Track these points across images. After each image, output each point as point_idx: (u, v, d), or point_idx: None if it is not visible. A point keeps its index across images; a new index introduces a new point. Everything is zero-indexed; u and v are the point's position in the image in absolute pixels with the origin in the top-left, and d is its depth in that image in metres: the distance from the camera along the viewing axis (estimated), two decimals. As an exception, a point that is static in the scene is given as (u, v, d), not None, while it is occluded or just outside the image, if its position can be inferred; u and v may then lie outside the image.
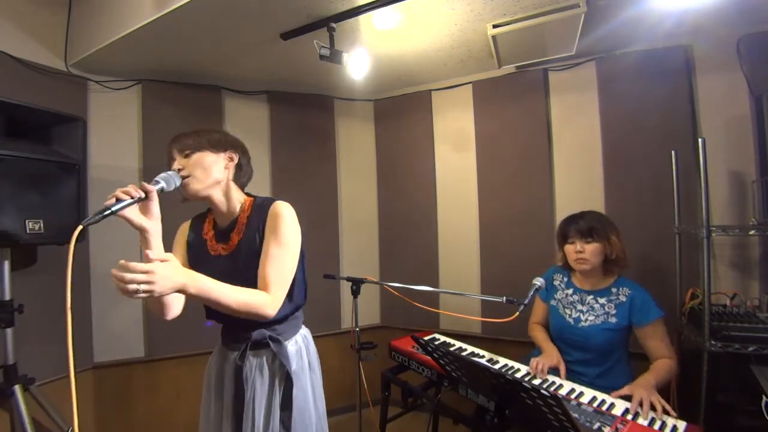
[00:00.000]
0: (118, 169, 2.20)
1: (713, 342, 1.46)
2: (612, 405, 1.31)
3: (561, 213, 2.16)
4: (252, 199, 1.21)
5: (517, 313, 1.26)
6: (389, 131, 2.84)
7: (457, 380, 1.48)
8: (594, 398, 1.36)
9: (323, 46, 1.78)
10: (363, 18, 1.75)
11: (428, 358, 1.64)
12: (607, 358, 1.56)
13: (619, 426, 1.18)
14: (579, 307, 1.64)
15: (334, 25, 1.74)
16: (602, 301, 1.59)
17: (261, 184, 2.50)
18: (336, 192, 2.78)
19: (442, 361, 1.45)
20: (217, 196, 1.16)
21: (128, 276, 0.80)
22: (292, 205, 1.17)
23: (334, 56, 1.79)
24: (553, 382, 1.50)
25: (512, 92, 2.38)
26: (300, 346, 1.23)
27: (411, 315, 2.24)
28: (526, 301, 1.27)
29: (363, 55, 1.97)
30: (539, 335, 1.77)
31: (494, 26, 1.83)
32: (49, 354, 1.83)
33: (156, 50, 1.96)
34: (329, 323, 2.64)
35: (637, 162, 2.04)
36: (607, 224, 1.60)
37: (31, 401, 1.59)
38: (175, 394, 2.30)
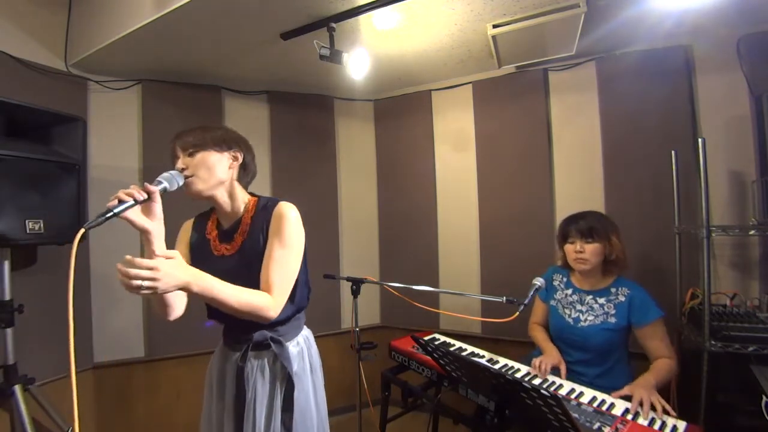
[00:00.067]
0: (118, 169, 2.20)
1: (713, 342, 1.46)
2: (612, 405, 1.31)
3: (561, 213, 2.16)
4: (256, 199, 1.21)
5: (517, 313, 1.26)
6: (389, 131, 2.84)
7: (457, 380, 1.48)
8: (594, 398, 1.36)
9: (323, 46, 1.78)
10: (363, 18, 1.75)
11: (428, 358, 1.64)
12: (606, 358, 1.56)
13: (619, 426, 1.18)
14: (578, 307, 1.64)
15: (334, 25, 1.74)
16: (601, 301, 1.59)
17: (261, 184, 2.50)
18: (336, 192, 2.78)
19: (442, 361, 1.45)
20: (221, 196, 1.15)
21: (133, 272, 0.80)
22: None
23: (334, 56, 1.79)
24: (553, 382, 1.50)
25: (512, 92, 2.38)
26: (302, 347, 1.22)
27: (411, 315, 2.25)
28: (526, 301, 1.27)
29: (363, 55, 1.97)
30: (539, 336, 1.77)
31: (494, 26, 1.83)
32: (49, 354, 1.83)
33: (156, 50, 1.96)
34: (329, 323, 2.64)
35: (637, 162, 2.04)
36: (608, 225, 1.60)
37: (31, 401, 1.59)
38: (175, 394, 2.30)
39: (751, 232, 1.64)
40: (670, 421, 1.20)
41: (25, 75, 1.86)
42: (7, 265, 1.62)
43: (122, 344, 2.18)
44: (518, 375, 1.58)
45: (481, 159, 2.49)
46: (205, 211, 1.29)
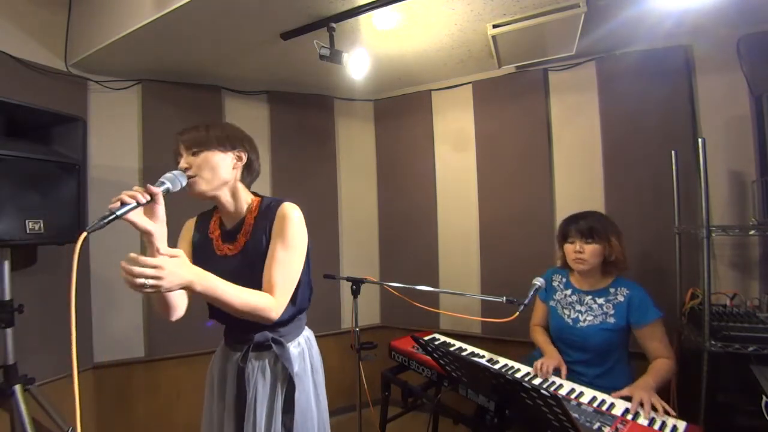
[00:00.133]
0: (118, 169, 2.20)
1: (713, 342, 1.46)
2: (612, 405, 1.31)
3: (561, 213, 2.16)
4: (259, 199, 1.20)
5: (517, 313, 1.26)
6: (389, 131, 2.84)
7: (457, 380, 1.48)
8: (594, 398, 1.36)
9: (323, 46, 1.78)
10: (363, 18, 1.75)
11: (428, 358, 1.64)
12: (606, 359, 1.56)
13: (619, 426, 1.18)
14: (577, 307, 1.64)
15: (334, 25, 1.74)
16: (600, 301, 1.59)
17: (261, 184, 2.50)
18: (336, 192, 2.78)
19: (442, 361, 1.45)
20: (224, 196, 1.14)
21: (137, 270, 0.80)
22: None
23: (334, 56, 1.79)
24: (553, 382, 1.50)
25: (512, 92, 2.38)
26: (303, 348, 1.22)
27: (411, 315, 2.25)
28: (526, 301, 1.27)
29: (363, 55, 1.97)
30: (540, 338, 1.77)
31: (494, 26, 1.83)
32: (49, 354, 1.83)
33: (156, 50, 1.96)
34: (329, 323, 2.64)
35: (637, 162, 2.04)
36: (609, 226, 1.60)
37: (31, 401, 1.59)
38: (175, 394, 2.30)
39: (751, 232, 1.63)
40: (670, 421, 1.20)
41: (25, 75, 1.86)
42: (7, 265, 1.62)
43: (122, 344, 2.18)
44: (518, 375, 1.58)
45: (481, 159, 2.49)
46: (208, 210, 1.28)
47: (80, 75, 2.09)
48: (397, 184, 2.80)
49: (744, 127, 1.82)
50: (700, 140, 1.53)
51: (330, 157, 2.76)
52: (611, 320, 1.55)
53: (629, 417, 1.23)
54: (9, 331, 1.61)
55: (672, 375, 1.48)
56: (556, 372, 1.55)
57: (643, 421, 1.21)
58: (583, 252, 1.58)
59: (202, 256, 1.18)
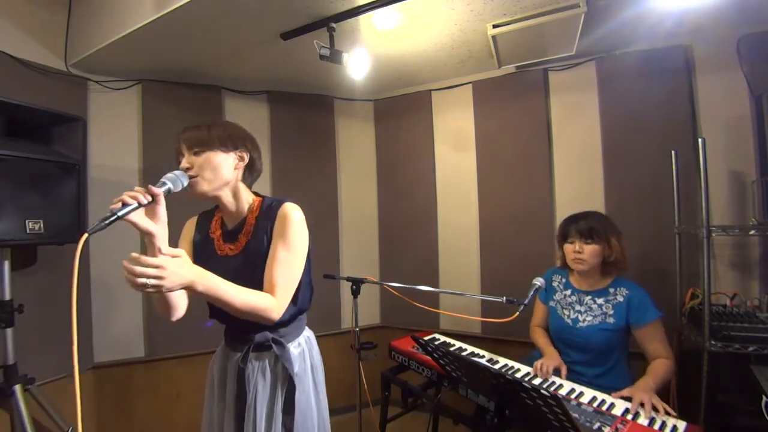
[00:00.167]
0: (118, 169, 2.20)
1: (713, 342, 1.46)
2: (612, 405, 1.31)
3: (561, 213, 2.16)
4: (261, 199, 1.20)
5: (517, 313, 1.26)
6: (389, 131, 2.84)
7: (457, 380, 1.48)
8: (594, 398, 1.36)
9: (323, 46, 1.78)
10: (363, 18, 1.75)
11: (428, 358, 1.64)
12: (606, 359, 1.56)
13: (619, 426, 1.18)
14: (577, 307, 1.64)
15: (334, 25, 1.74)
16: (600, 301, 1.59)
17: (261, 184, 2.49)
18: (336, 192, 2.78)
19: (442, 361, 1.45)
20: (226, 197, 1.14)
21: (138, 269, 0.80)
22: None
23: (334, 56, 1.79)
24: (553, 382, 1.50)
25: (512, 92, 2.38)
26: (303, 348, 1.22)
27: (411, 315, 2.24)
28: (526, 301, 1.27)
29: (363, 55, 1.97)
30: (540, 339, 1.77)
31: (494, 26, 1.83)
32: (49, 354, 1.83)
33: (156, 50, 1.96)
34: (329, 323, 2.64)
35: (637, 162, 2.04)
36: (609, 226, 1.60)
37: (31, 401, 1.59)
38: (175, 394, 2.30)
39: (751, 232, 1.63)
40: (670, 421, 1.20)
41: (25, 75, 1.86)
42: (7, 265, 1.62)
43: (122, 344, 2.18)
44: (518, 375, 1.58)
45: (481, 159, 2.49)
46: (209, 209, 1.28)
47: (80, 75, 2.09)
48: (397, 184, 2.80)
49: (744, 127, 1.82)
50: (700, 140, 1.53)
51: (330, 157, 2.76)
52: (611, 320, 1.55)
53: (629, 417, 1.23)
54: (9, 331, 1.61)
55: (671, 375, 1.48)
56: (556, 372, 1.56)
57: (643, 421, 1.21)
58: (582, 252, 1.58)
59: (203, 256, 1.18)
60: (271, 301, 1.04)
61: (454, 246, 2.58)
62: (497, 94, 2.43)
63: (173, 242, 0.99)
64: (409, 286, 1.66)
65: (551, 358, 1.61)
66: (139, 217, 0.87)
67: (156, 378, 2.26)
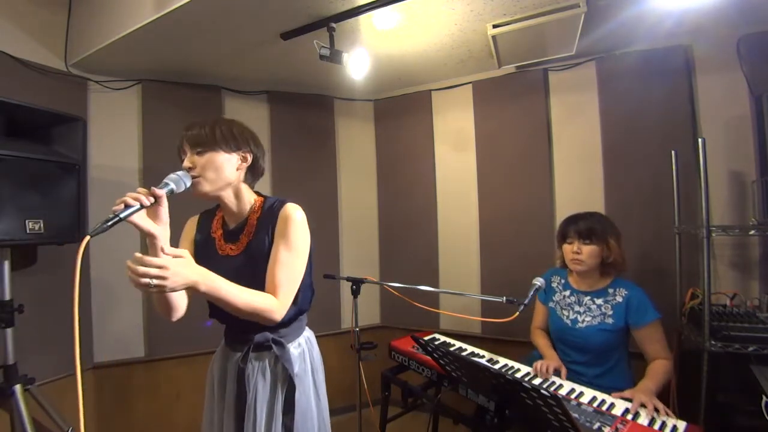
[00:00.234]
0: (118, 169, 2.20)
1: (713, 342, 1.46)
2: (612, 405, 1.31)
3: (561, 213, 2.16)
4: (262, 199, 1.19)
5: (517, 313, 1.26)
6: (389, 131, 2.84)
7: (457, 380, 1.48)
8: (594, 398, 1.36)
9: (323, 46, 1.78)
10: (363, 18, 1.75)
11: (428, 358, 1.64)
12: (606, 359, 1.56)
13: (619, 426, 1.18)
14: (576, 308, 1.64)
15: (334, 25, 1.74)
16: (599, 301, 1.59)
17: (261, 184, 2.47)
18: (336, 192, 2.78)
19: (442, 361, 1.45)
20: (228, 197, 1.14)
21: (142, 269, 0.81)
22: None
23: (334, 56, 1.79)
24: (553, 382, 1.50)
25: (512, 92, 2.38)
26: (303, 349, 1.22)
27: (411, 315, 2.24)
28: (526, 301, 1.27)
29: (363, 55, 1.97)
30: (541, 341, 1.77)
31: (494, 26, 1.83)
32: (49, 354, 1.83)
33: (156, 50, 1.96)
34: (329, 323, 2.64)
35: (637, 162, 2.04)
36: (608, 227, 1.60)
37: (31, 401, 1.59)
38: (175, 394, 2.30)
39: (751, 232, 1.63)
40: (670, 421, 1.20)
41: (25, 75, 1.86)
42: (7, 265, 1.62)
43: (122, 344, 2.18)
44: (518, 375, 1.58)
45: (481, 159, 2.49)
46: (211, 208, 1.27)
47: (80, 75, 2.09)
48: (397, 184, 2.80)
49: (744, 127, 1.82)
50: (700, 140, 1.53)
51: (330, 157, 2.76)
52: (610, 321, 1.55)
53: (629, 417, 1.23)
54: (9, 331, 1.61)
55: (671, 376, 1.48)
56: (556, 373, 1.55)
57: (643, 421, 1.21)
58: (580, 253, 1.58)
59: (204, 256, 1.17)
60: (273, 302, 1.04)
61: (454, 246, 2.58)
62: (497, 94, 2.43)
63: (174, 241, 0.99)
64: (409, 286, 1.66)
65: (551, 359, 1.61)
66: (140, 219, 0.87)
67: (156, 378, 2.26)
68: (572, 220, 1.65)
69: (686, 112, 1.95)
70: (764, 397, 1.24)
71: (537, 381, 1.52)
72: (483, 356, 1.77)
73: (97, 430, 2.10)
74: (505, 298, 1.35)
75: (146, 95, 2.28)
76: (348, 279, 1.79)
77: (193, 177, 1.04)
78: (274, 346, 1.14)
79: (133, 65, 2.13)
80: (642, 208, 2.02)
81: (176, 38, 1.84)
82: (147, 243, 0.92)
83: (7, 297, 1.62)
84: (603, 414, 1.26)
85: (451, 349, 1.85)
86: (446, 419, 1.77)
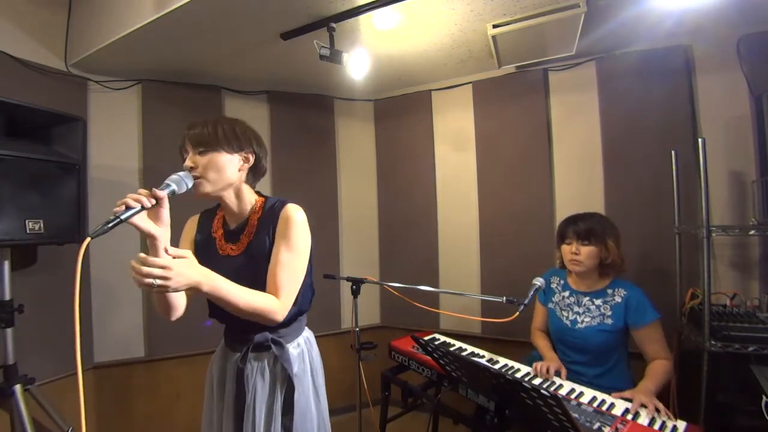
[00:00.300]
0: (118, 169, 2.20)
1: (713, 342, 1.46)
2: (612, 405, 1.31)
3: (561, 213, 2.16)
4: (263, 199, 1.19)
5: (517, 313, 1.26)
6: (389, 131, 2.84)
7: (457, 380, 1.48)
8: (594, 398, 1.36)
9: (323, 46, 1.78)
10: (363, 18, 1.75)
11: (428, 358, 1.64)
12: (606, 359, 1.56)
13: (619, 426, 1.18)
14: (575, 309, 1.64)
15: (334, 25, 1.74)
16: (598, 302, 1.59)
17: (261, 184, 2.48)
18: (336, 192, 2.78)
19: (442, 361, 1.45)
20: (229, 197, 1.14)
21: (145, 269, 0.82)
22: None
23: (334, 56, 1.79)
24: (553, 382, 1.50)
25: (512, 92, 2.38)
26: (302, 349, 1.22)
27: (411, 315, 2.25)
28: (526, 301, 1.27)
29: (363, 55, 1.97)
30: (541, 342, 1.77)
31: (494, 26, 1.83)
32: (49, 354, 1.83)
33: (156, 50, 1.96)
34: (329, 323, 2.64)
35: (637, 162, 2.04)
36: (607, 228, 1.60)
37: (31, 401, 1.59)
38: (175, 394, 2.30)
39: (751, 232, 1.63)
40: (670, 422, 1.20)
41: (25, 75, 1.86)
42: (7, 265, 1.62)
43: (122, 344, 2.18)
44: (518, 375, 1.58)
45: (481, 159, 2.49)
46: (211, 207, 1.27)
47: (80, 75, 2.09)
48: (397, 184, 2.80)
49: (744, 127, 1.81)
50: (700, 140, 1.53)
51: (330, 157, 2.76)
52: (609, 321, 1.55)
53: (629, 417, 1.23)
54: (9, 331, 1.61)
55: (670, 376, 1.48)
56: (556, 374, 1.55)
57: (643, 421, 1.21)
58: (579, 254, 1.58)
59: (204, 255, 1.17)
60: (275, 303, 1.04)
61: (454, 246, 2.58)
62: (497, 94, 2.43)
63: (174, 240, 0.99)
64: (409, 286, 1.66)
65: (551, 361, 1.61)
66: (141, 220, 0.87)
67: (156, 378, 2.26)
68: (571, 221, 1.65)
69: (686, 112, 1.95)
70: (764, 397, 1.24)
71: (537, 381, 1.52)
72: (483, 356, 1.77)
73: (97, 430, 2.10)
74: (505, 298, 1.35)
75: (146, 95, 2.28)
76: (348, 279, 1.79)
77: (195, 177, 1.04)
78: (273, 346, 1.14)
79: (133, 65, 2.13)
80: (642, 208, 2.02)
81: (176, 38, 1.84)
82: (147, 244, 0.92)
83: (7, 297, 1.62)
84: (603, 414, 1.26)
85: (451, 349, 1.86)
86: (446, 419, 1.77)
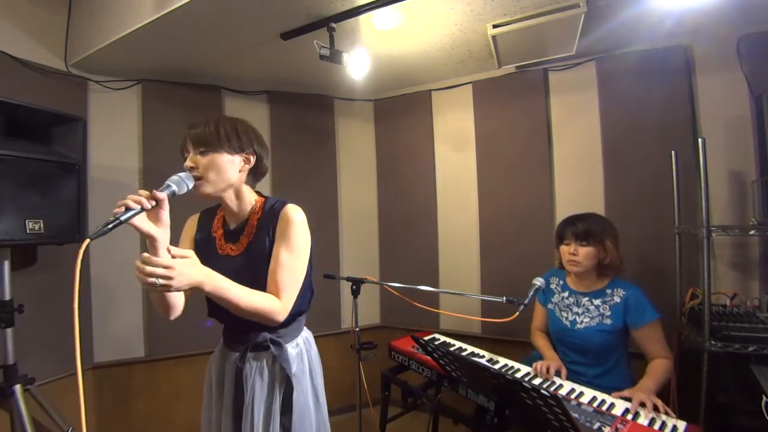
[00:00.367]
0: (118, 169, 2.20)
1: (713, 342, 1.46)
2: (612, 405, 1.31)
3: (561, 213, 2.16)
4: (263, 200, 1.19)
5: (517, 313, 1.26)
6: (389, 131, 2.84)
7: (457, 380, 1.48)
8: (594, 398, 1.36)
9: (323, 46, 1.78)
10: (363, 18, 1.75)
11: (428, 358, 1.64)
12: (605, 359, 1.56)
13: (619, 426, 1.18)
14: (575, 309, 1.64)
15: (334, 25, 1.74)
16: (597, 302, 1.59)
17: (261, 184, 2.48)
18: (336, 192, 2.78)
19: (442, 361, 1.45)
20: (229, 197, 1.14)
21: (148, 269, 0.83)
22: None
23: (334, 56, 1.79)
24: (553, 382, 1.50)
25: (512, 92, 2.38)
26: (301, 349, 1.22)
27: (411, 315, 2.25)
28: (526, 301, 1.27)
29: (363, 55, 1.97)
30: (541, 342, 1.77)
31: (494, 26, 1.83)
32: (49, 354, 1.83)
33: (156, 50, 1.96)
34: (329, 323, 2.64)
35: (637, 162, 2.04)
36: (606, 228, 1.60)
37: (31, 401, 1.59)
38: (175, 394, 2.30)
39: (751, 232, 1.63)
40: (670, 421, 1.20)
41: (25, 75, 1.86)
42: (7, 265, 1.62)
43: (122, 344, 2.18)
44: (518, 375, 1.58)
45: (481, 159, 2.49)
46: (212, 207, 1.27)
47: (80, 75, 2.09)
48: (397, 184, 2.80)
49: (744, 127, 1.82)
50: (700, 140, 1.53)
51: (330, 157, 2.76)
52: (608, 321, 1.55)
53: (629, 417, 1.23)
54: (9, 331, 1.61)
55: (671, 375, 1.48)
56: (556, 374, 1.55)
57: (643, 421, 1.21)
58: (577, 254, 1.58)
59: (204, 255, 1.16)
60: (276, 303, 1.04)
61: (454, 246, 2.58)
62: (497, 94, 2.43)
63: (174, 239, 0.99)
64: (409, 286, 1.66)
65: (552, 360, 1.61)
66: (141, 221, 0.87)
67: (156, 378, 2.26)
68: (570, 222, 1.64)
69: (686, 112, 1.95)
70: (764, 397, 1.24)
71: (537, 381, 1.52)
72: (483, 356, 1.77)
73: (97, 430, 2.10)
74: (505, 298, 1.35)
75: (146, 95, 2.28)
76: (348, 279, 1.79)
77: (196, 178, 1.04)
78: (271, 346, 1.14)
79: (133, 65, 2.13)
80: (642, 208, 2.02)
81: (176, 38, 1.84)
82: (147, 245, 0.92)
83: (7, 297, 1.62)
84: (603, 414, 1.26)
85: (451, 349, 1.85)
86: (446, 419, 1.77)
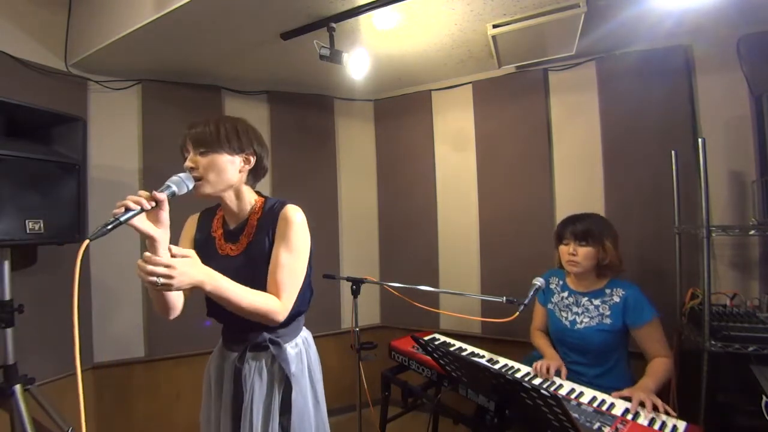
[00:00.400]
0: (118, 169, 2.20)
1: (713, 342, 1.46)
2: (612, 405, 1.31)
3: (561, 213, 2.16)
4: (263, 200, 1.19)
5: (517, 313, 1.26)
6: (389, 131, 2.84)
7: (457, 380, 1.48)
8: (594, 398, 1.36)
9: (323, 46, 1.78)
10: (363, 18, 1.75)
11: (428, 358, 1.64)
12: (605, 359, 1.56)
13: (619, 426, 1.18)
14: (574, 309, 1.64)
15: (334, 25, 1.74)
16: (597, 302, 1.59)
17: (261, 184, 2.48)
18: (336, 192, 2.78)
19: (442, 361, 1.45)
20: (229, 197, 1.14)
21: (150, 268, 0.84)
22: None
23: (334, 56, 1.79)
24: (553, 382, 1.50)
25: (512, 92, 2.38)
26: (300, 349, 1.22)
27: (411, 315, 2.25)
28: (526, 301, 1.27)
29: (363, 55, 1.97)
30: (541, 341, 1.77)
31: (494, 26, 1.83)
32: (49, 354, 1.83)
33: (156, 50, 1.96)
34: (329, 323, 2.64)
35: (637, 162, 2.04)
36: (605, 229, 1.60)
37: (31, 401, 1.59)
38: (175, 394, 2.30)
39: (751, 232, 1.63)
40: (670, 421, 1.20)
41: (25, 75, 1.86)
42: (7, 265, 1.62)
43: (122, 344, 2.18)
44: (518, 375, 1.58)
45: (481, 159, 2.49)
46: (211, 207, 1.27)
47: (80, 75, 2.09)
48: (397, 184, 2.80)
49: (744, 127, 1.81)
50: (700, 140, 1.53)
51: (330, 157, 2.76)
52: (607, 321, 1.55)
53: (629, 417, 1.23)
54: (9, 331, 1.61)
55: (671, 374, 1.48)
56: (557, 373, 1.55)
57: (643, 421, 1.21)
58: (576, 254, 1.58)
59: (204, 254, 1.16)
60: (276, 304, 1.05)
61: (454, 246, 2.58)
62: (497, 94, 2.43)
63: (174, 239, 0.99)
64: (409, 286, 1.66)
65: (552, 359, 1.61)
66: (140, 222, 0.87)
67: (156, 378, 2.26)
68: (569, 222, 1.65)
69: (686, 112, 1.95)
70: (764, 397, 1.24)
71: (537, 381, 1.52)
72: (483, 356, 1.77)
73: (97, 430, 2.10)
74: (505, 298, 1.35)
75: (146, 95, 2.28)
76: (348, 279, 1.79)
77: (195, 178, 1.04)
78: (270, 345, 1.14)
79: (133, 65, 2.13)
80: (642, 208, 2.02)
81: (176, 38, 1.84)
82: (147, 245, 0.92)
83: (7, 297, 1.62)
84: (603, 414, 1.26)
85: (451, 349, 1.85)
86: (446, 419, 1.77)
